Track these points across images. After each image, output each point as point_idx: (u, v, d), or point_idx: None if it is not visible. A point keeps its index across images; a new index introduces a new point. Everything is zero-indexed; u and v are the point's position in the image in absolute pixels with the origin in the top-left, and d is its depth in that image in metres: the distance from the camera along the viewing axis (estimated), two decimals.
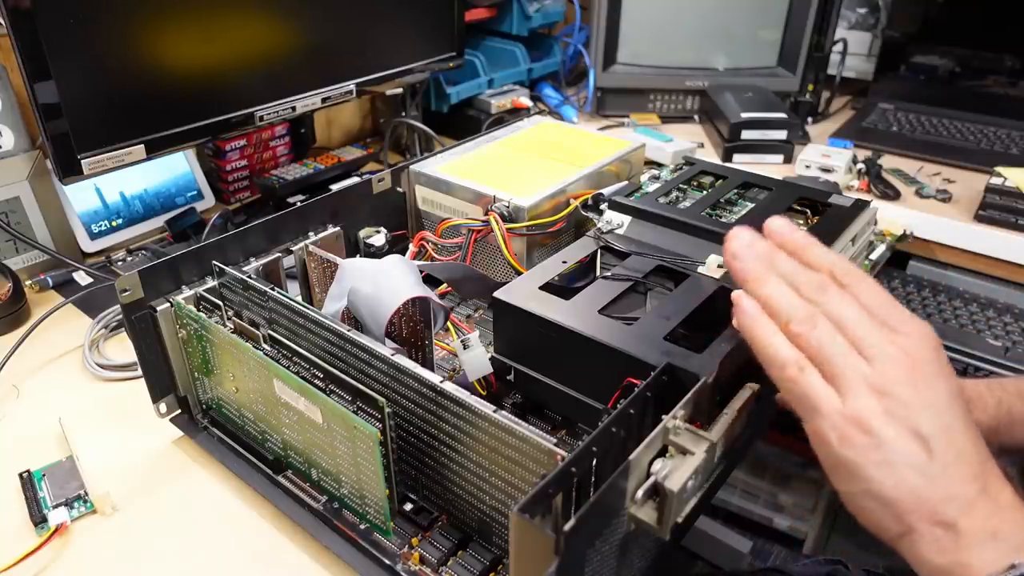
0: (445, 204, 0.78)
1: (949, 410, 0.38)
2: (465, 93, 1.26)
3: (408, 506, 0.54)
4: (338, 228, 0.71)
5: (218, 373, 0.60)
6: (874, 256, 0.80)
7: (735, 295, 0.42)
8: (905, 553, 0.37)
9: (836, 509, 1.27)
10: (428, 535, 0.52)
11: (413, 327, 0.60)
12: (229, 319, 0.58)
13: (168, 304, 0.59)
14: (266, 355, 0.53)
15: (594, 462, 0.39)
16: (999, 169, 0.98)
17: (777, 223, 0.44)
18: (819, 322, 0.39)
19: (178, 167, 1.02)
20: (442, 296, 0.74)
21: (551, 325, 0.53)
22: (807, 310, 0.39)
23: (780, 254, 0.42)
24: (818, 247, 0.43)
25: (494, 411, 0.45)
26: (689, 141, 1.19)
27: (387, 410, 0.48)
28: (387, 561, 0.51)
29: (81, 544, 0.55)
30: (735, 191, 0.76)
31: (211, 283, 0.61)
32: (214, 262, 0.60)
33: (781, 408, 0.47)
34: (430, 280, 0.70)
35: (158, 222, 0.97)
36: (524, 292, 0.57)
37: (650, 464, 0.40)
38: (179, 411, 0.64)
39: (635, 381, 0.46)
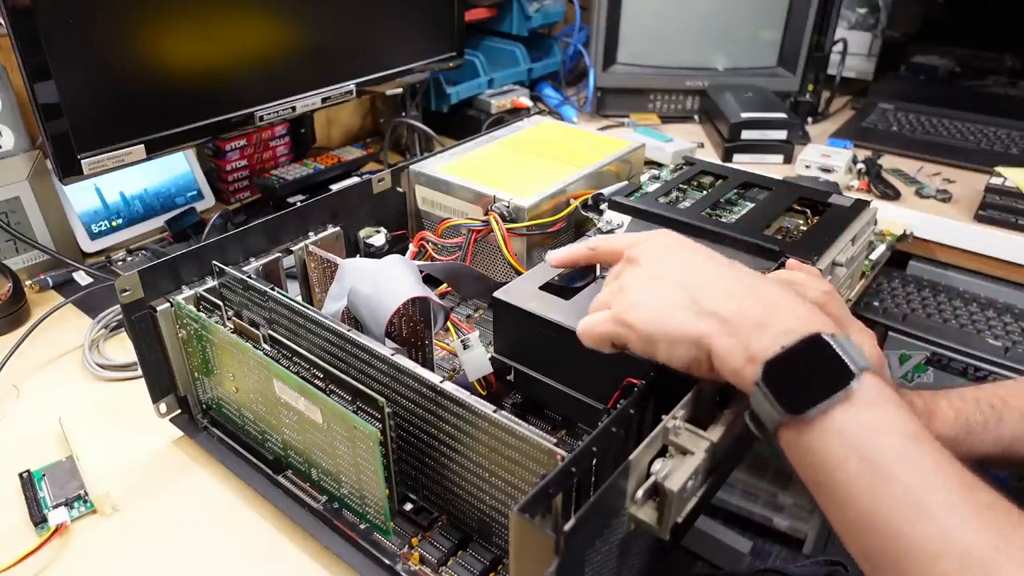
0: (445, 204, 0.78)
1: (698, 262, 0.45)
2: (465, 93, 1.26)
3: (408, 506, 0.54)
4: (338, 228, 0.71)
5: (218, 373, 0.60)
6: (874, 256, 0.80)
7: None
8: (724, 377, 0.41)
9: None
10: (428, 535, 0.52)
11: (413, 327, 0.60)
12: (229, 319, 0.58)
13: (168, 304, 0.59)
14: (266, 355, 0.53)
15: (594, 462, 0.39)
16: (999, 169, 0.98)
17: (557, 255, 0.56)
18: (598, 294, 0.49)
19: (178, 167, 1.02)
20: (442, 296, 0.74)
21: (551, 325, 0.53)
22: (601, 293, 0.48)
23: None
24: (606, 239, 0.52)
25: (494, 411, 0.45)
26: (689, 141, 1.19)
27: (387, 410, 0.48)
28: (387, 561, 0.51)
29: (81, 544, 0.55)
30: (735, 191, 0.76)
31: (211, 283, 0.61)
32: (214, 262, 0.60)
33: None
34: (430, 280, 0.70)
35: (158, 222, 0.97)
36: (524, 292, 0.57)
37: (650, 464, 0.40)
38: (179, 411, 0.64)
39: (635, 381, 0.46)
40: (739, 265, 0.45)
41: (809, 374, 0.38)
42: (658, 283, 0.44)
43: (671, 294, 0.43)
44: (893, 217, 0.97)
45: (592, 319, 0.47)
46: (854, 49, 1.42)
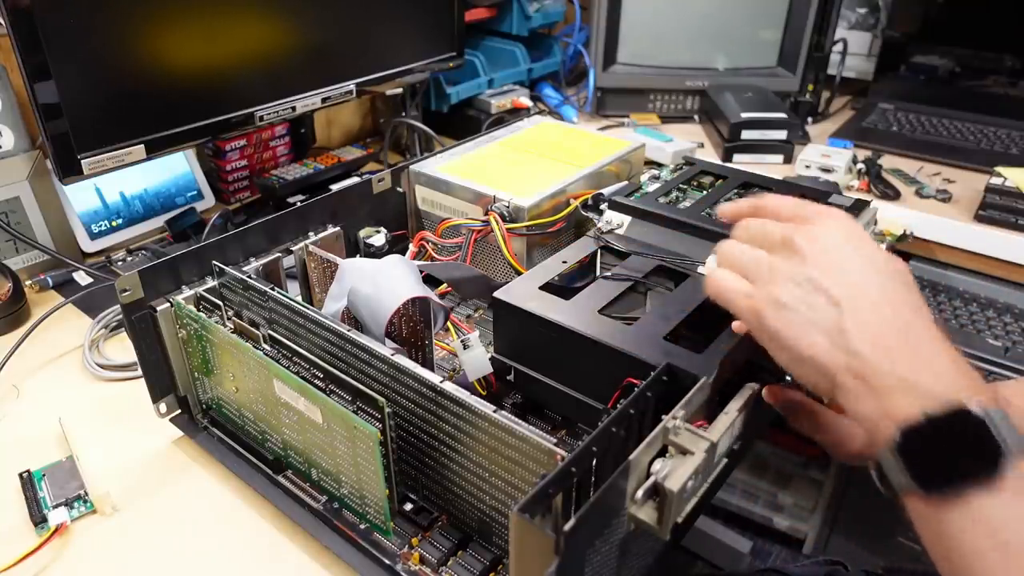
0: (445, 204, 0.78)
1: (860, 277, 0.40)
2: (465, 93, 1.26)
3: (408, 506, 0.54)
4: (338, 228, 0.71)
5: (218, 373, 0.60)
6: None
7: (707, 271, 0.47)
8: (843, 406, 0.39)
9: (836, 509, 1.28)
10: (428, 535, 0.52)
11: (413, 327, 0.60)
12: (229, 319, 0.58)
13: (168, 304, 0.59)
14: (266, 355, 0.53)
15: (594, 462, 0.39)
16: (999, 169, 0.98)
17: (770, 198, 0.49)
18: (732, 242, 0.46)
19: (178, 167, 1.02)
20: (442, 296, 0.74)
21: (551, 325, 0.53)
22: (751, 252, 0.44)
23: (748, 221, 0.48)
24: (777, 199, 0.48)
25: (494, 411, 0.45)
26: (689, 141, 1.19)
27: (387, 410, 0.48)
28: (387, 561, 0.51)
29: (81, 544, 0.55)
30: (735, 191, 0.76)
31: (211, 283, 0.61)
32: (214, 262, 0.60)
33: (771, 403, 0.48)
34: (430, 280, 0.70)
35: (158, 222, 0.97)
36: (524, 292, 0.57)
37: (650, 464, 0.40)
38: (179, 411, 0.64)
39: (635, 381, 0.46)
40: (902, 283, 0.41)
41: (954, 450, 0.34)
42: (812, 291, 0.40)
43: (820, 310, 0.39)
44: (893, 217, 0.97)
45: (728, 283, 0.44)
46: (854, 49, 1.42)
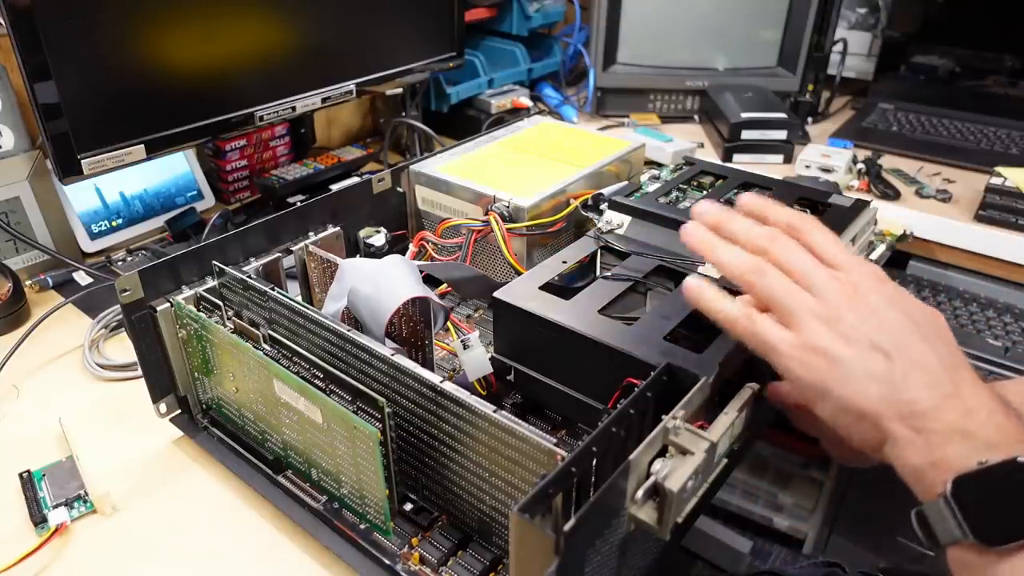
0: (445, 204, 0.78)
1: (904, 329, 0.40)
2: (465, 93, 1.26)
3: (408, 506, 0.54)
4: (338, 228, 0.71)
5: (218, 373, 0.60)
6: (874, 256, 0.80)
7: (682, 227, 0.45)
8: (890, 460, 0.39)
9: (836, 509, 1.28)
10: (428, 535, 0.52)
11: (413, 327, 0.60)
12: (229, 319, 0.58)
13: (168, 304, 0.59)
14: (266, 355, 0.53)
15: (594, 462, 0.39)
16: (999, 169, 0.98)
17: (745, 198, 0.48)
18: (767, 270, 0.43)
19: (178, 167, 1.02)
20: (442, 296, 0.74)
21: (551, 325, 0.53)
22: (754, 261, 0.43)
23: (734, 216, 0.46)
24: (777, 207, 0.47)
25: (494, 411, 0.45)
26: (689, 141, 1.19)
27: (387, 410, 0.48)
28: (387, 561, 0.51)
29: (81, 544, 0.55)
30: (735, 191, 0.76)
31: (211, 283, 0.61)
32: (214, 262, 0.60)
33: (772, 402, 0.48)
34: (430, 280, 0.70)
35: (158, 222, 0.97)
36: (524, 292, 0.57)
37: (650, 464, 0.40)
38: (179, 411, 0.64)
39: (635, 381, 0.46)
40: (942, 333, 0.41)
41: (1013, 501, 0.34)
42: (863, 342, 0.39)
43: (871, 360, 0.39)
44: (893, 217, 0.96)
45: (767, 329, 0.41)
46: (854, 49, 1.42)
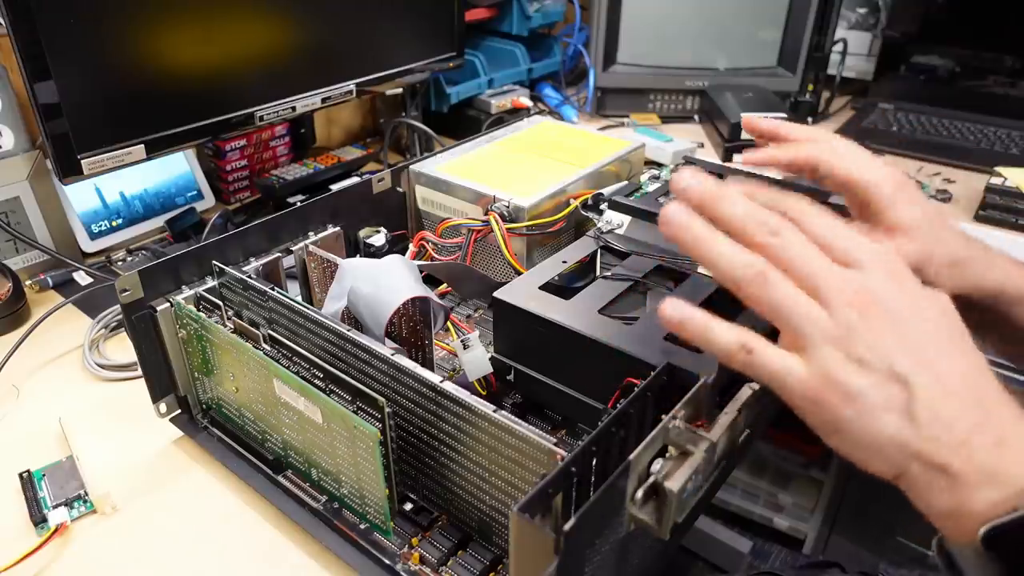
0: (445, 204, 0.78)
1: (929, 341, 0.35)
2: (465, 93, 1.26)
3: (408, 506, 0.54)
4: (338, 228, 0.71)
5: (218, 373, 0.60)
6: None
7: (662, 211, 0.38)
8: (907, 494, 0.35)
9: (836, 509, 1.27)
10: (428, 535, 0.52)
11: (413, 327, 0.60)
12: (229, 319, 0.58)
13: (168, 304, 0.59)
14: (266, 355, 0.53)
15: (594, 462, 0.39)
16: (999, 169, 0.98)
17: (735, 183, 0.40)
18: (771, 277, 0.36)
19: (178, 167, 1.02)
20: (442, 296, 0.74)
21: (551, 325, 0.53)
22: (756, 266, 0.36)
23: (726, 191, 0.38)
24: (766, 187, 0.40)
25: (494, 411, 0.45)
26: (689, 141, 1.19)
27: (387, 410, 0.48)
28: (387, 561, 0.51)
29: (81, 544, 0.55)
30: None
31: (211, 283, 0.61)
32: (214, 262, 0.60)
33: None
34: (430, 280, 0.70)
35: (158, 222, 0.97)
36: (524, 292, 0.57)
37: (650, 464, 0.40)
38: (179, 411, 0.64)
39: (635, 381, 0.46)
40: (956, 332, 0.36)
41: None
42: (878, 367, 0.34)
43: (886, 389, 0.34)
44: None
45: (773, 358, 0.35)
46: (854, 49, 1.42)
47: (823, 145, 0.46)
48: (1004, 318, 0.48)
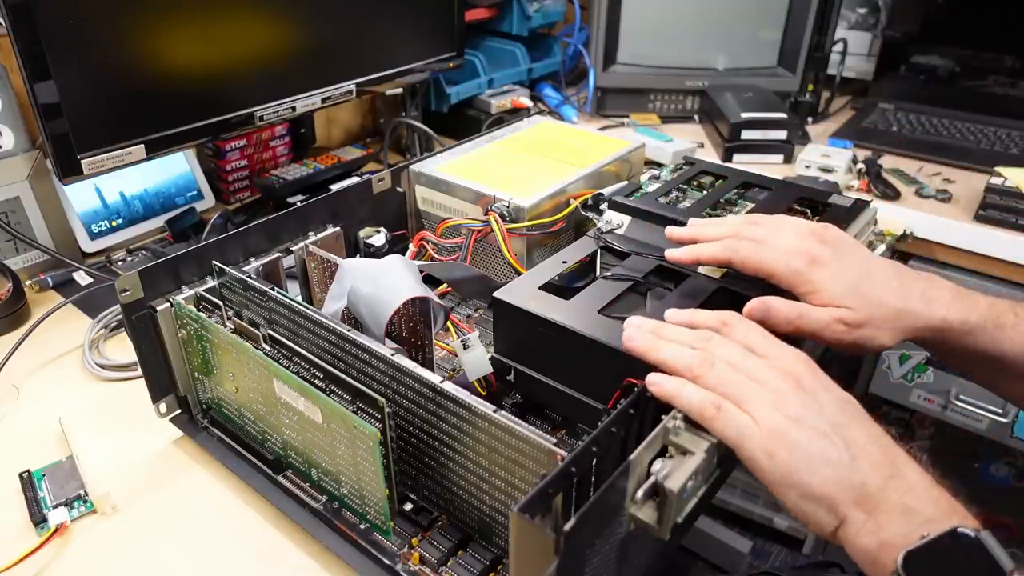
0: (445, 204, 0.78)
1: (841, 411, 0.42)
2: (465, 93, 1.26)
3: (408, 506, 0.54)
4: (338, 228, 0.71)
5: (218, 373, 0.60)
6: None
7: (647, 379, 0.45)
8: (844, 544, 0.40)
9: None
10: (428, 535, 0.52)
11: (413, 327, 0.60)
12: (229, 319, 0.58)
13: (168, 304, 0.59)
14: (266, 355, 0.53)
15: (594, 462, 0.39)
16: (999, 169, 0.98)
17: (670, 313, 0.50)
18: (713, 361, 0.44)
19: (178, 167, 1.02)
20: (442, 296, 0.74)
21: (551, 325, 0.53)
22: (700, 356, 0.44)
23: (665, 326, 0.48)
24: (702, 312, 0.49)
25: (494, 411, 0.45)
26: (689, 141, 1.19)
27: (387, 410, 0.48)
28: (387, 561, 0.51)
29: (81, 544, 0.55)
30: (735, 191, 0.76)
31: (211, 283, 0.61)
32: (214, 262, 0.60)
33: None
34: (430, 280, 0.70)
35: (158, 222, 0.97)
36: (524, 292, 0.57)
37: (650, 464, 0.40)
38: (179, 411, 0.64)
39: (635, 381, 0.46)
40: (864, 414, 0.43)
41: (960, 571, 0.36)
42: (814, 424, 0.41)
43: (823, 442, 0.40)
44: (893, 217, 0.97)
45: (732, 417, 0.41)
46: (854, 49, 1.42)
47: (729, 242, 0.55)
48: (966, 349, 0.54)
